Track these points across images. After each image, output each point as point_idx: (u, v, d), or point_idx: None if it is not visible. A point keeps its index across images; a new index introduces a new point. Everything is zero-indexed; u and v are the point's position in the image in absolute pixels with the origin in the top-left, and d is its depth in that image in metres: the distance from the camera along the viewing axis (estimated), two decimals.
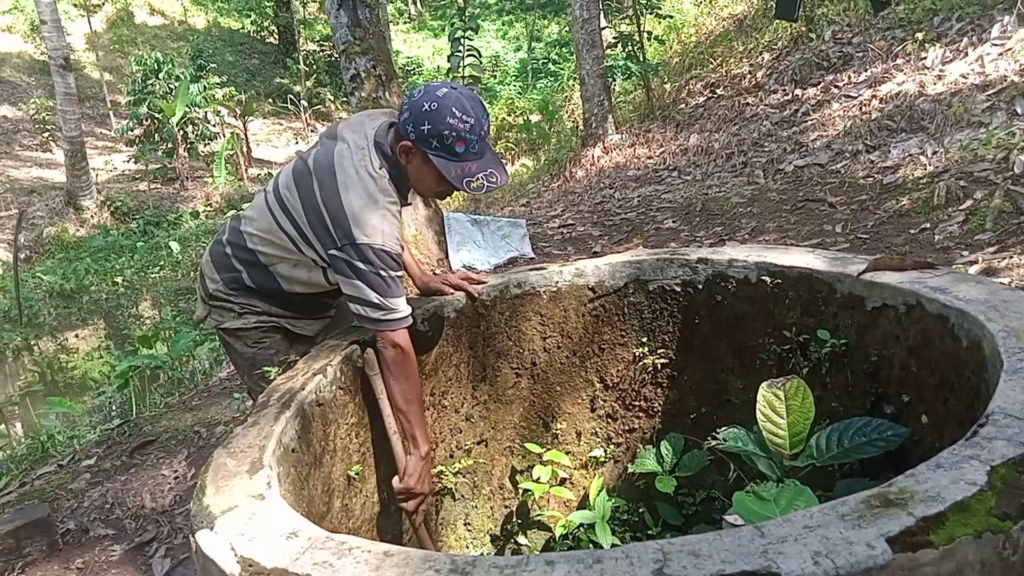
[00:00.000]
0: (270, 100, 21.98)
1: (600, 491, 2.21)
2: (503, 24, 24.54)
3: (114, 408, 5.73)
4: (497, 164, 1.78)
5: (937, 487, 0.95)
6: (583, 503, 2.32)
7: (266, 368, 1.85)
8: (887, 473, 1.66)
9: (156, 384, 5.78)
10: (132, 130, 15.96)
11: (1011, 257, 3.42)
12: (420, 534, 1.90)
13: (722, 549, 0.90)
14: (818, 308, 1.88)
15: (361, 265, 1.72)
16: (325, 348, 1.85)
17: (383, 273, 1.73)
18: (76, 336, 9.27)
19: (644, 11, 9.45)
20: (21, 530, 2.64)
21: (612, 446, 2.37)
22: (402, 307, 1.77)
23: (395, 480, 1.82)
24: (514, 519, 2.34)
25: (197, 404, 4.15)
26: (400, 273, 1.79)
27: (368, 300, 1.74)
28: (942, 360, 1.54)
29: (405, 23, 27.72)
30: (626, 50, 9.21)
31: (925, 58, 6.27)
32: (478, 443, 2.25)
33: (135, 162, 16.32)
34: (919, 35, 6.54)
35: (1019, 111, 4.93)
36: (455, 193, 2.00)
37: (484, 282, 2.17)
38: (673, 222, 5.83)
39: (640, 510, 2.31)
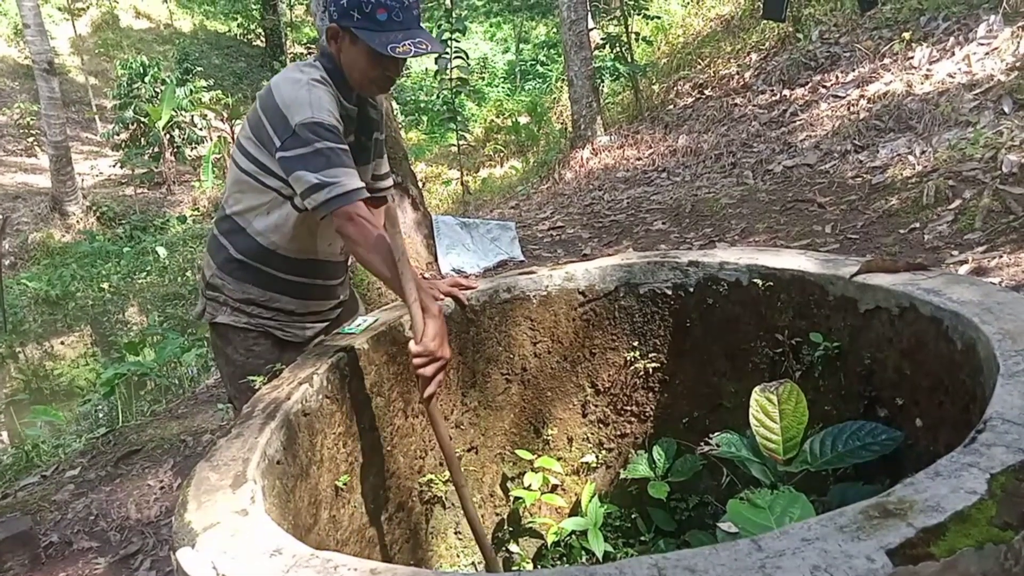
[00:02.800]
0: None
1: (592, 497, 2.18)
2: (491, 26, 24.53)
3: (100, 416, 5.67)
4: (427, 36, 1.75)
5: (936, 496, 0.93)
6: (575, 510, 2.29)
7: (251, 377, 1.81)
8: (881, 476, 1.65)
9: (143, 391, 5.72)
10: (118, 134, 15.83)
11: (1001, 257, 3.43)
12: (432, 413, 1.74)
13: (718, 564, 0.87)
14: (810, 311, 1.87)
15: (301, 150, 1.69)
16: (311, 356, 1.82)
17: (319, 146, 1.68)
18: (62, 343, 9.18)
19: (632, 12, 9.47)
20: (3, 544, 2.59)
21: (604, 452, 2.34)
22: (347, 179, 1.70)
23: (411, 344, 1.69)
24: (505, 527, 2.31)
25: (183, 412, 4.10)
26: (342, 146, 1.73)
27: (310, 184, 1.68)
28: (936, 363, 1.52)
29: None
30: (614, 51, 9.23)
31: (912, 58, 6.30)
32: (468, 450, 2.22)
33: (121, 167, 16.20)
34: (906, 35, 6.56)
35: (1006, 110, 4.95)
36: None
37: (473, 287, 2.15)
38: (663, 224, 5.82)
39: (633, 516, 2.29)
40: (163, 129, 15.15)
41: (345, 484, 1.75)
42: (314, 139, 1.69)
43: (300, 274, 2.02)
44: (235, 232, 1.97)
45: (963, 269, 3.44)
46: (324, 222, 1.85)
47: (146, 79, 15.58)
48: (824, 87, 6.95)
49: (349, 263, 2.23)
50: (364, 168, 2.02)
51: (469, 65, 9.55)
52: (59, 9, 21.78)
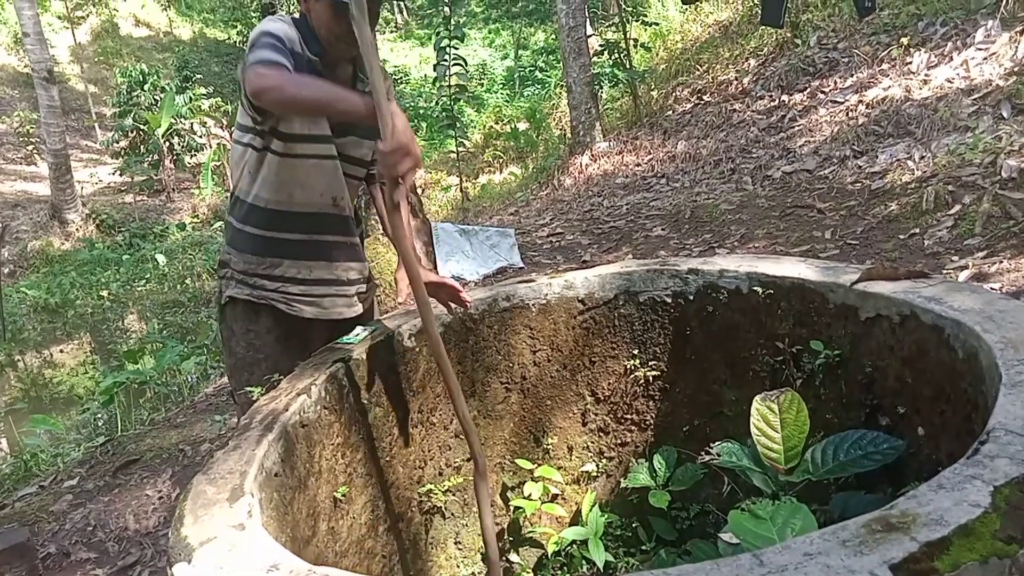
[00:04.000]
0: None
1: (592, 507, 2.17)
2: (489, 32, 24.59)
3: (99, 425, 5.65)
4: None
5: (940, 509, 0.92)
6: (576, 519, 2.28)
7: (249, 389, 1.81)
8: (883, 485, 1.64)
9: (142, 399, 5.71)
10: (117, 142, 15.87)
11: (1001, 262, 3.42)
12: (399, 227, 1.70)
13: None
14: (811, 319, 1.86)
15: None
16: (309, 367, 1.81)
17: (260, 41, 1.74)
18: (61, 351, 9.16)
19: (630, 18, 9.48)
20: (0, 555, 2.57)
21: (604, 460, 2.33)
22: (268, 55, 1.71)
23: (380, 144, 1.62)
24: (506, 537, 2.30)
25: (182, 421, 4.09)
26: (279, 44, 1.75)
27: (243, 72, 1.74)
28: (938, 371, 1.51)
29: (392, 32, 27.74)
30: (612, 57, 9.24)
31: (910, 63, 6.30)
32: (468, 460, 2.21)
33: (121, 174, 16.23)
34: (904, 40, 6.57)
35: (1005, 115, 4.95)
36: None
37: (467, 305, 2.09)
38: (662, 230, 5.82)
39: (633, 525, 2.27)
40: (162, 137, 15.17)
41: (344, 495, 1.74)
42: (258, 45, 1.74)
43: (295, 230, 1.99)
44: (237, 205, 2.01)
45: (963, 275, 3.43)
46: (308, 168, 1.91)
47: (145, 87, 15.61)
48: (823, 92, 6.96)
49: (358, 221, 2.17)
50: (347, 140, 2.01)
51: (468, 72, 9.56)
52: (59, 17, 21.83)
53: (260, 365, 1.97)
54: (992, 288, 3.23)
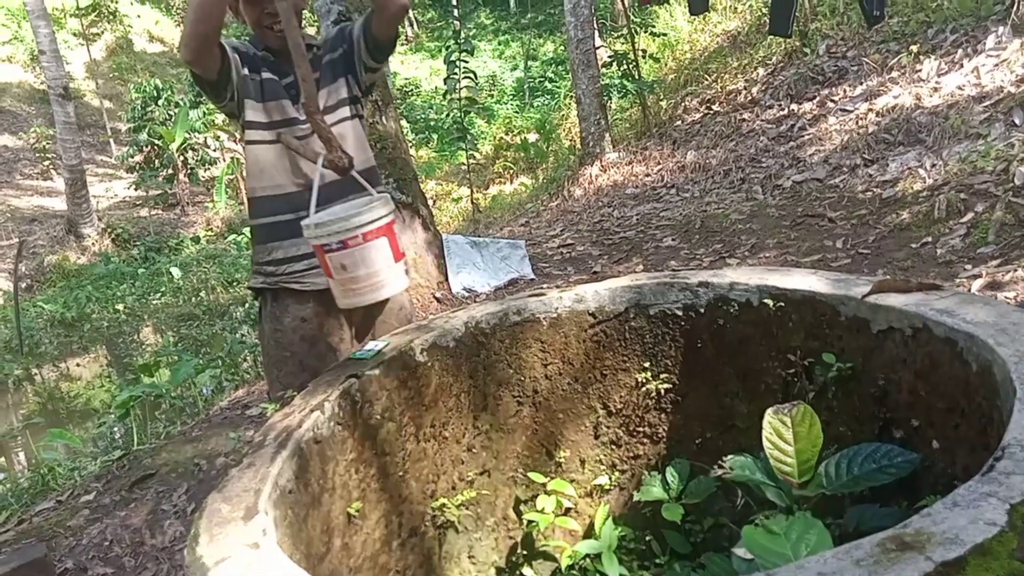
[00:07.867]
0: None
1: (606, 520, 2.16)
2: (499, 44, 24.71)
3: (115, 438, 5.69)
4: None
5: (955, 528, 0.91)
6: (589, 532, 2.27)
7: (264, 405, 1.83)
8: (898, 498, 1.63)
9: (158, 412, 5.74)
10: (132, 157, 16.04)
11: (1015, 271, 3.40)
12: None
13: None
14: (822, 331, 1.85)
15: None
16: (322, 383, 1.82)
17: None
18: (78, 365, 9.24)
19: (638, 29, 9.51)
20: (18, 571, 2.59)
21: (617, 473, 2.33)
22: None
23: None
24: (519, 551, 2.29)
25: (198, 435, 4.11)
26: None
27: None
28: (951, 385, 1.51)
29: (402, 45, 27.93)
30: (621, 68, 9.26)
31: (920, 70, 6.28)
32: (480, 474, 2.21)
33: (136, 189, 16.39)
34: (914, 48, 6.55)
35: (1017, 122, 4.92)
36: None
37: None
38: (672, 240, 5.81)
39: (647, 538, 2.26)
40: (177, 151, 15.32)
41: (357, 511, 1.74)
42: None
43: (277, 212, 2.10)
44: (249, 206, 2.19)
45: (977, 283, 3.41)
46: (270, 150, 2.06)
47: (160, 102, 15.79)
48: (832, 101, 6.94)
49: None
50: (332, 87, 2.17)
51: (478, 84, 9.61)
52: (74, 35, 22.13)
53: (287, 362, 2.10)
54: (1006, 297, 3.20)
